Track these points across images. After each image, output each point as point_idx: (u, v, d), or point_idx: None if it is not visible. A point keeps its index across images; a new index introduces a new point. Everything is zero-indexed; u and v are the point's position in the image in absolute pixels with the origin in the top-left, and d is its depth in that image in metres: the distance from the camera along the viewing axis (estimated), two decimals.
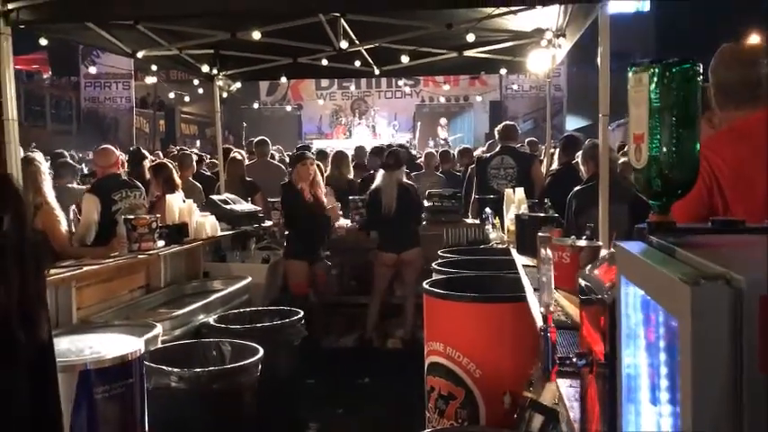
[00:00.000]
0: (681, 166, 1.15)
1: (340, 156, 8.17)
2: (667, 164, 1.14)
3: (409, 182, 6.34)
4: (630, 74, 1.19)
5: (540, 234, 1.70)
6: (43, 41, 5.86)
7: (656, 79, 1.13)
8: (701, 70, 1.14)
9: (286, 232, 6.23)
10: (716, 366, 0.69)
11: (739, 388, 0.69)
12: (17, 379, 1.73)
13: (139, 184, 5.21)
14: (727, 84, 2.12)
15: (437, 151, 10.08)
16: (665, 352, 0.91)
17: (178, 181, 5.80)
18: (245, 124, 19.91)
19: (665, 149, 1.14)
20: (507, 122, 7.18)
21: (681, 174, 1.15)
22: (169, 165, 6.09)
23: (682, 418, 0.75)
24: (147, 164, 6.35)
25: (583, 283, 1.28)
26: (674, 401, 0.89)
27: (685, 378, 0.72)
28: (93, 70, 19.35)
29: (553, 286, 1.32)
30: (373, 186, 6.17)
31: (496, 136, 6.88)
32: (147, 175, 6.07)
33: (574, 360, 1.24)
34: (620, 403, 1.04)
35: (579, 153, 5.16)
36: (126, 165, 6.35)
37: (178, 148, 13.57)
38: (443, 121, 21.99)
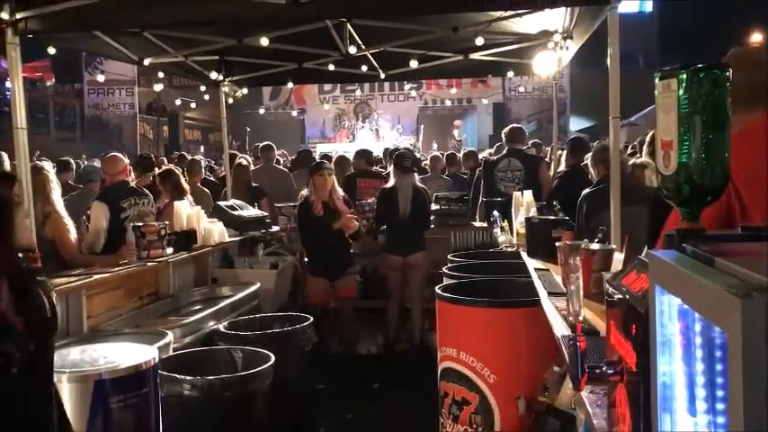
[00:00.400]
0: (711, 172, 1.14)
1: (342, 160, 8.20)
2: (697, 170, 1.13)
3: (422, 186, 6.35)
4: (658, 80, 1.18)
5: (567, 242, 1.68)
6: (51, 50, 5.88)
7: (684, 85, 1.12)
8: (730, 75, 1.13)
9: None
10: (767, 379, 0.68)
11: None
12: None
13: (147, 192, 5.21)
14: (736, 88, 2.11)
15: (443, 154, 10.08)
16: (704, 362, 0.90)
17: (186, 186, 5.80)
18: (248, 129, 19.95)
19: (694, 156, 1.13)
20: (514, 125, 7.17)
21: (711, 180, 1.14)
22: (176, 171, 6.10)
23: (732, 430, 0.74)
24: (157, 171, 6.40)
25: (611, 290, 1.27)
26: (713, 411, 0.88)
27: (736, 390, 0.71)
28: (102, 77, 19.40)
29: (582, 294, 1.31)
30: (388, 185, 6.17)
31: (503, 138, 6.86)
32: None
33: (604, 369, 1.23)
34: (656, 413, 1.03)
35: (588, 155, 5.14)
36: (132, 171, 6.39)
37: (178, 153, 13.56)
38: (458, 122, 21.98)
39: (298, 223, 6.01)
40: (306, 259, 6.15)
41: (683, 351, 0.96)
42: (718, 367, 0.84)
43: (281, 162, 10.67)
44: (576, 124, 20.66)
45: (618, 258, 2.60)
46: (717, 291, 0.74)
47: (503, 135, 6.84)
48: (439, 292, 3.62)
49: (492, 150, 9.71)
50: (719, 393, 0.85)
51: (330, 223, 5.64)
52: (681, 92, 1.12)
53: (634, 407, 1.13)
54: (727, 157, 1.14)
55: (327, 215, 5.66)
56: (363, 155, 8.18)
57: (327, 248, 5.76)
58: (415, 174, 6.34)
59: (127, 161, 5.27)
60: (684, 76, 1.12)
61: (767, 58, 2.09)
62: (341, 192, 5.91)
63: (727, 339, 0.73)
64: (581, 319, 1.30)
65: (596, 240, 2.77)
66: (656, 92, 1.19)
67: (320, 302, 5.75)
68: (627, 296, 1.17)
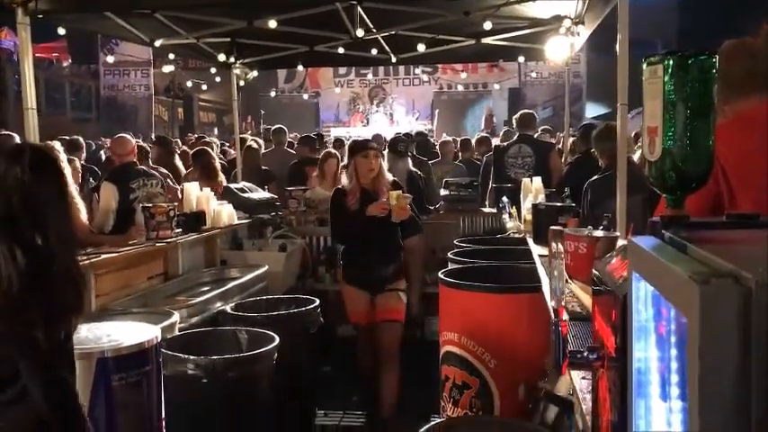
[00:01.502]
0: (695, 159, 1.13)
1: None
2: (681, 157, 1.13)
3: (415, 170, 6.34)
4: (645, 65, 1.17)
5: (551, 228, 1.69)
6: (61, 31, 5.89)
7: (671, 71, 1.12)
8: (717, 62, 1.12)
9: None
10: (724, 366, 0.68)
11: (747, 387, 0.68)
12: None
13: (155, 173, 5.25)
14: (733, 75, 2.09)
15: (455, 139, 10.05)
16: (676, 348, 0.90)
17: (217, 166, 5.88)
18: (262, 112, 19.98)
19: (679, 142, 1.13)
20: (525, 111, 7.13)
21: (695, 167, 1.14)
22: (209, 150, 6.18)
23: (690, 416, 0.74)
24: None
25: (596, 275, 1.27)
26: (684, 397, 0.89)
27: (693, 377, 0.71)
28: (111, 59, 19.46)
29: (565, 280, 1.31)
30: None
31: (514, 124, 6.83)
32: (178, 164, 6.18)
33: (585, 354, 1.24)
34: (631, 398, 1.04)
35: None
36: (151, 152, 6.49)
37: (196, 135, 13.63)
38: (488, 105, 21.87)
39: (330, 217, 4.88)
40: (340, 262, 4.98)
41: (657, 337, 0.96)
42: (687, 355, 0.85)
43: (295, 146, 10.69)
44: (593, 111, 20.46)
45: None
46: (681, 277, 0.75)
47: (513, 121, 6.81)
48: (442, 276, 3.63)
49: (501, 136, 9.68)
50: None
51: (365, 220, 4.44)
52: (666, 78, 1.12)
53: (612, 392, 1.14)
54: (711, 145, 1.14)
55: (367, 207, 4.45)
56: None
57: (367, 251, 4.57)
58: (409, 159, 6.34)
59: (134, 141, 5.31)
60: (670, 62, 1.11)
61: (762, 47, 2.08)
62: (390, 177, 4.73)
63: (687, 325, 0.73)
64: (563, 303, 1.30)
65: (601, 228, 2.77)
66: (643, 78, 1.19)
67: (363, 322, 4.59)
68: (609, 282, 1.18)
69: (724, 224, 1.12)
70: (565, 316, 2.12)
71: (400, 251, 4.68)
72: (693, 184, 1.17)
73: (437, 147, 9.39)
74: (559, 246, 1.30)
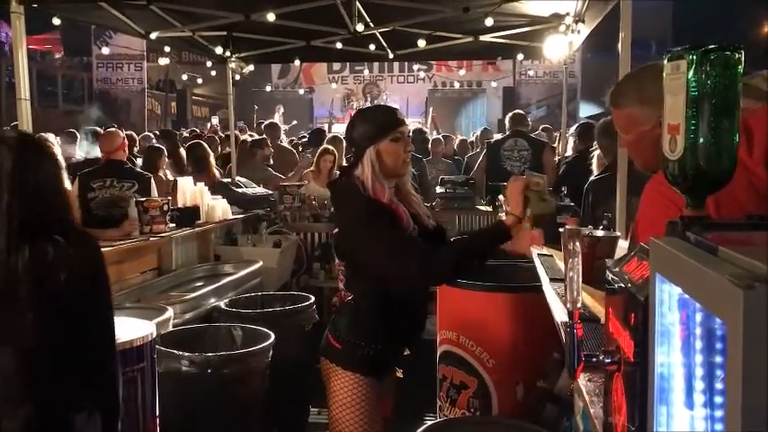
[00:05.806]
0: (718, 158, 1.10)
1: (335, 140, 8.16)
2: (704, 156, 1.09)
3: None
4: (666, 61, 1.14)
5: (568, 228, 1.66)
6: (56, 21, 5.80)
7: (694, 66, 1.08)
8: (743, 57, 1.09)
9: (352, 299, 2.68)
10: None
11: None
12: None
13: (140, 174, 5.11)
14: None
15: (445, 136, 10.05)
16: (703, 354, 0.87)
17: (212, 161, 5.84)
18: (256, 107, 19.89)
19: (702, 141, 1.09)
20: (517, 111, 7.19)
21: (718, 166, 1.10)
22: (203, 145, 6.15)
23: (729, 426, 0.71)
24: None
25: (611, 277, 1.24)
26: (710, 405, 0.86)
27: (735, 384, 0.68)
28: (105, 51, 19.30)
29: (581, 281, 1.28)
30: None
31: (507, 124, 6.84)
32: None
33: (601, 357, 1.20)
34: (652, 404, 1.00)
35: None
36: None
37: (189, 130, 13.51)
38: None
39: (400, 256, 2.47)
40: (365, 342, 2.67)
41: (682, 342, 0.93)
42: (718, 359, 0.82)
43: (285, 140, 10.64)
44: (587, 110, 20.45)
45: (623, 246, 2.57)
46: (718, 280, 0.71)
47: (507, 121, 6.84)
48: None
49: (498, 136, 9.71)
50: (718, 386, 0.82)
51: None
52: (690, 74, 1.08)
53: (630, 397, 1.10)
54: (735, 143, 1.10)
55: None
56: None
57: (409, 308, 2.76)
58: None
59: (123, 135, 5.23)
60: (694, 57, 1.08)
61: None
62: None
63: (727, 330, 0.70)
64: (579, 306, 1.27)
65: (601, 227, 2.75)
66: (664, 73, 1.15)
67: None
68: (627, 284, 1.14)
69: (745, 226, 1.08)
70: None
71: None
72: (715, 185, 1.13)
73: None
74: (577, 245, 1.26)
